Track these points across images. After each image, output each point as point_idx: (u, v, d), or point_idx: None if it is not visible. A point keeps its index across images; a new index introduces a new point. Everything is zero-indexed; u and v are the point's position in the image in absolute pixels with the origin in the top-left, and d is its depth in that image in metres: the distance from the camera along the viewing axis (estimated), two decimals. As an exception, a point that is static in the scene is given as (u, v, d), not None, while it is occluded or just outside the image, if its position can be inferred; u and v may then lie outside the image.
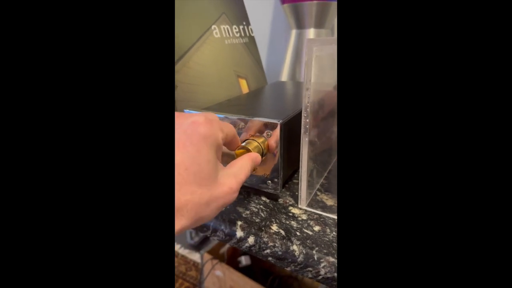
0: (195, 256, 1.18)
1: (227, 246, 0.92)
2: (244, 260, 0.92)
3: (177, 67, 0.36)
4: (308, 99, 0.25)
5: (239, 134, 0.29)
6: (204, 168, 0.19)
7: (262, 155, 0.28)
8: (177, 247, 1.24)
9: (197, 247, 1.21)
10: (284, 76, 0.69)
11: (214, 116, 0.22)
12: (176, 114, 0.22)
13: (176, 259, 1.18)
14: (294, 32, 0.67)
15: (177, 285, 1.06)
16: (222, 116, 0.30)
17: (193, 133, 0.19)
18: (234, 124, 0.29)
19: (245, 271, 0.83)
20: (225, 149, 0.30)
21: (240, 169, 0.22)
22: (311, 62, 0.24)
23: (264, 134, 0.28)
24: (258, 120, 0.28)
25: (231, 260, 0.91)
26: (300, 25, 0.65)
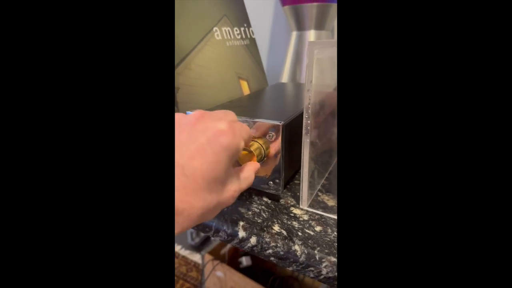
0: (196, 257, 1.19)
1: (228, 246, 0.92)
2: (245, 260, 0.92)
3: (178, 69, 0.36)
4: (309, 101, 0.25)
5: (241, 135, 0.30)
6: (220, 177, 0.19)
7: (264, 156, 0.28)
8: (177, 248, 1.24)
9: (198, 248, 1.21)
10: (285, 78, 0.69)
11: (233, 116, 0.22)
12: (202, 113, 0.21)
13: (176, 260, 1.18)
14: (294, 34, 0.67)
15: (178, 286, 1.07)
16: (224, 117, 0.30)
17: (216, 142, 0.19)
18: (236, 125, 0.30)
19: (246, 271, 0.83)
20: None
21: (245, 179, 0.23)
22: (312, 65, 0.24)
23: (266, 136, 0.28)
24: (260, 122, 0.28)
25: (232, 260, 0.91)
26: (301, 27, 0.65)
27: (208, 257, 0.87)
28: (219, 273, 0.84)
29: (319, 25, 0.64)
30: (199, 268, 1.13)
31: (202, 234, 1.23)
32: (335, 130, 0.37)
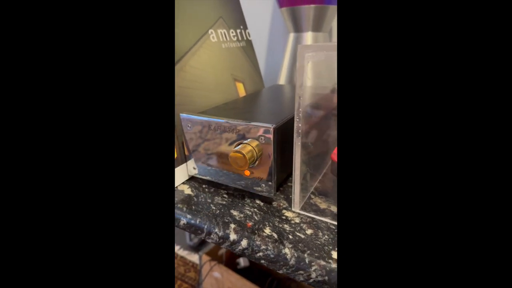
0: (194, 257, 1.19)
1: (225, 247, 0.92)
2: (242, 261, 0.92)
3: (173, 71, 0.36)
4: (299, 104, 0.26)
5: (237, 137, 0.30)
6: None
7: (256, 159, 0.28)
8: (176, 248, 1.24)
9: (196, 249, 1.21)
10: (282, 80, 0.69)
11: None
12: None
13: (175, 261, 1.18)
14: (291, 36, 0.67)
15: (176, 286, 1.07)
16: (220, 120, 0.30)
17: None
18: (231, 127, 0.30)
19: (243, 272, 0.83)
20: (221, 148, 0.31)
21: None
22: (302, 68, 0.25)
23: (259, 138, 0.28)
24: (252, 124, 0.28)
25: (230, 261, 0.91)
26: (298, 28, 0.65)
27: (205, 257, 0.87)
28: (216, 274, 0.84)
29: (317, 27, 0.64)
30: (197, 269, 1.13)
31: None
32: (329, 132, 0.37)
